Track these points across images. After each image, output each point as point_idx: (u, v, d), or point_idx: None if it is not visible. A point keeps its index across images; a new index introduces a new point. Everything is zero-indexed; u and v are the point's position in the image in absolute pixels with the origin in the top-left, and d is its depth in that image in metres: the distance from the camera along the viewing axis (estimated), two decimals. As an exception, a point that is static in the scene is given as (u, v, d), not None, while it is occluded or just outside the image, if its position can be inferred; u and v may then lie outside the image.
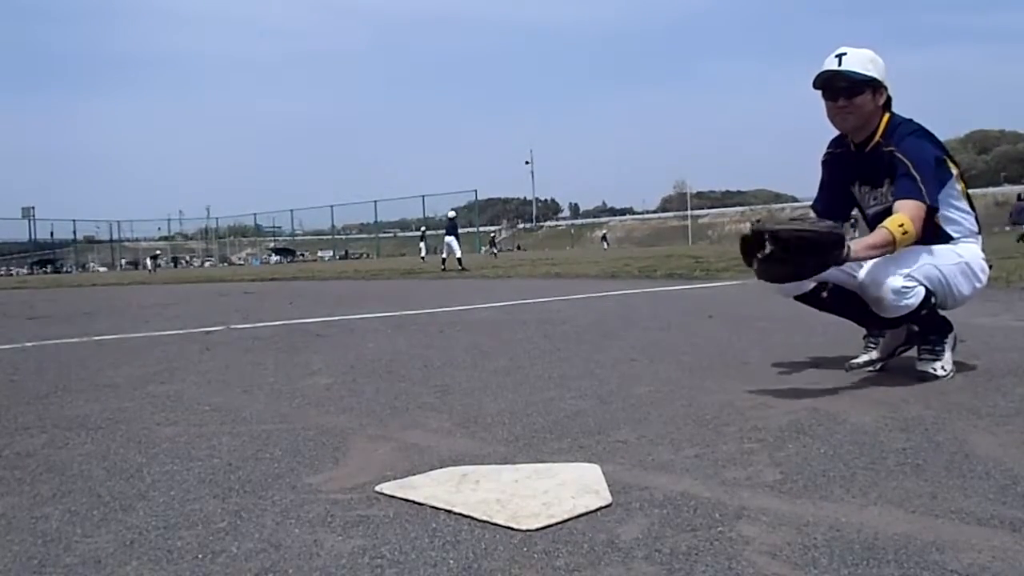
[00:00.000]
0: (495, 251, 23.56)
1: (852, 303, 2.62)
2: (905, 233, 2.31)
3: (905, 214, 2.34)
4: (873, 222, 2.60)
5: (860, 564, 1.17)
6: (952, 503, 1.41)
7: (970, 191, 2.72)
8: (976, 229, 2.62)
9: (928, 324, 2.57)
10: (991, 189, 66.67)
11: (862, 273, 2.47)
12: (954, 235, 2.56)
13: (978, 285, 2.58)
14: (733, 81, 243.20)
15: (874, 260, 2.42)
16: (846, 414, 2.12)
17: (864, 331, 2.91)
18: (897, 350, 2.74)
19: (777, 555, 1.21)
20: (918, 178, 2.40)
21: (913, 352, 2.69)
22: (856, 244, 2.30)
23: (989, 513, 1.36)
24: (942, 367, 2.55)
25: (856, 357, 2.74)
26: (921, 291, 2.42)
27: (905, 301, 2.39)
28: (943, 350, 2.58)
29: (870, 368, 2.71)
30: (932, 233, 2.49)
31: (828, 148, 2.82)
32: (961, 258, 2.53)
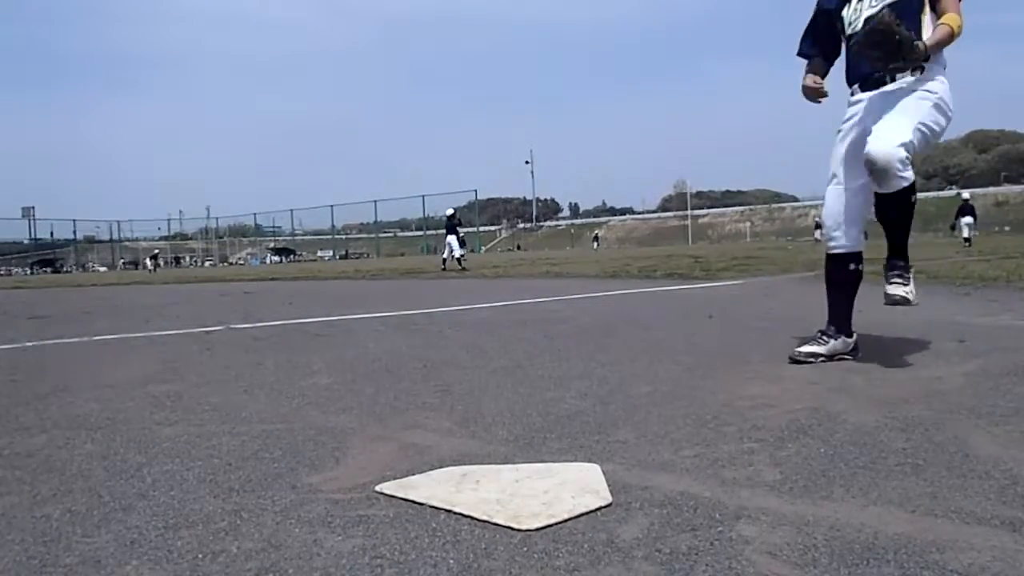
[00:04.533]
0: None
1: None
2: (959, 27, 2.68)
3: (954, 12, 2.70)
4: (863, 32, 2.79)
5: (860, 564, 1.17)
6: (952, 503, 1.41)
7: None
8: (945, 62, 2.86)
9: (904, 231, 2.87)
10: (991, 189, 66.68)
11: (870, 146, 2.68)
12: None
13: (949, 115, 2.82)
14: (733, 81, 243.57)
15: (878, 132, 2.68)
16: (846, 414, 2.12)
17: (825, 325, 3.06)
18: (838, 356, 2.95)
19: (777, 555, 1.21)
20: None
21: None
22: (928, 42, 2.66)
23: (989, 513, 1.36)
24: (911, 292, 2.83)
25: (803, 345, 2.97)
26: (911, 173, 2.68)
27: (902, 175, 2.65)
28: (910, 279, 2.86)
29: (811, 360, 2.91)
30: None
31: None
32: (935, 94, 2.76)
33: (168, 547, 1.35)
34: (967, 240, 21.47)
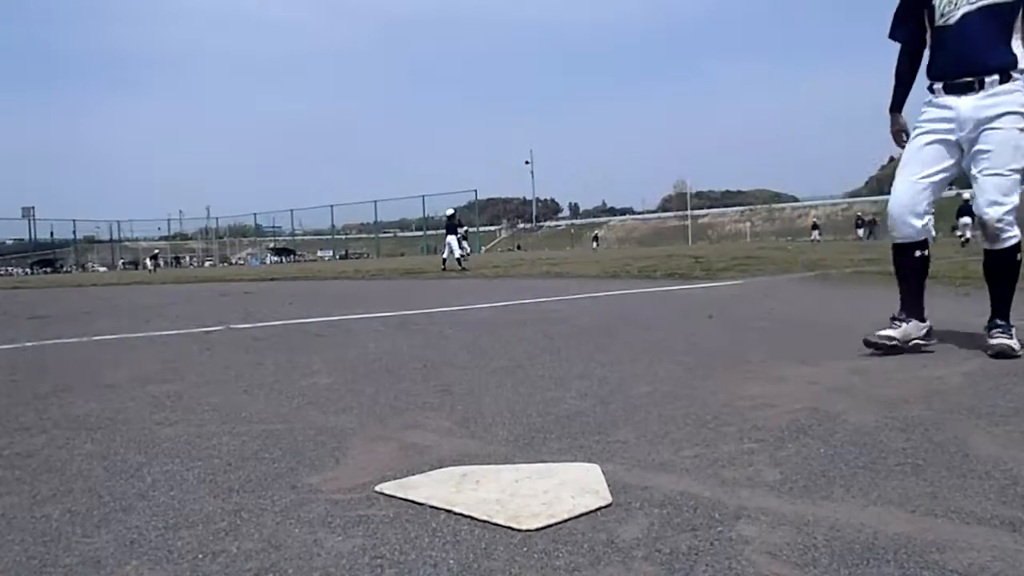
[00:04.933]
0: None
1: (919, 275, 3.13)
2: None
3: None
4: (965, 21, 2.86)
5: (860, 564, 1.17)
6: (952, 503, 1.41)
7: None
8: None
9: (1008, 289, 2.98)
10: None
11: (983, 210, 2.89)
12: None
13: None
14: (733, 81, 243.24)
15: (988, 196, 2.88)
16: (846, 414, 2.12)
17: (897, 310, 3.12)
18: (912, 342, 3.00)
19: (777, 555, 1.22)
20: None
21: (925, 349, 3.03)
22: None
23: (989, 513, 1.36)
24: (1016, 344, 2.87)
25: (880, 330, 3.01)
26: (1017, 231, 2.88)
27: (1009, 234, 2.88)
28: (1012, 334, 2.91)
29: (885, 343, 2.97)
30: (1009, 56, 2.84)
31: None
32: None
33: (168, 547, 1.36)
34: (966, 240, 21.55)
